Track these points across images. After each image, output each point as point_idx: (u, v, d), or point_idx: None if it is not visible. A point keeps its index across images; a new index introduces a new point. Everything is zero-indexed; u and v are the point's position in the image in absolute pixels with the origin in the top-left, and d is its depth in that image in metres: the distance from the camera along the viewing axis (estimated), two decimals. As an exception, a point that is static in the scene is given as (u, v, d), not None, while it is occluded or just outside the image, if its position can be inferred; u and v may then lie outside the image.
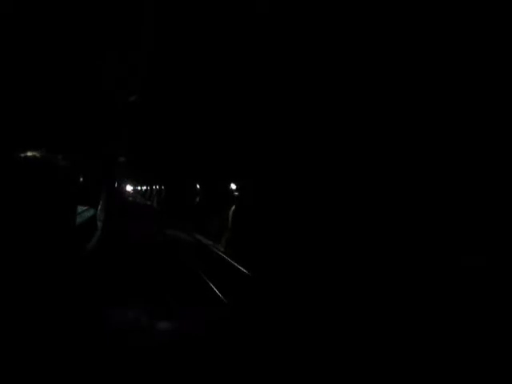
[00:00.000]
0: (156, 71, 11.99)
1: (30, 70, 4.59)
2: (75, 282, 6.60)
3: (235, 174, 15.66)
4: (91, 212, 12.23)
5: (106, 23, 6.25)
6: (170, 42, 10.97)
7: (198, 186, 23.21)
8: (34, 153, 5.75)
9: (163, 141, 23.71)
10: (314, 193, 9.57)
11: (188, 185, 26.43)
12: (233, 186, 15.80)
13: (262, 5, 10.04)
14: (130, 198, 48.21)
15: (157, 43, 10.04)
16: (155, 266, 10.61)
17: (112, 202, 16.13)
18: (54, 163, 6.25)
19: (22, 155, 5.71)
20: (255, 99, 11.26)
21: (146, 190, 56.79)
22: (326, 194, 8.99)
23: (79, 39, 5.45)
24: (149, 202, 45.43)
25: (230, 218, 15.74)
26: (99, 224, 13.41)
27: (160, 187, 40.92)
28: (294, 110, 10.22)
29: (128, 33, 7.31)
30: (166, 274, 9.89)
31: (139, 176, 50.21)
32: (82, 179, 9.99)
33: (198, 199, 23.20)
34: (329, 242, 8.28)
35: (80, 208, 10.52)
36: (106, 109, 7.72)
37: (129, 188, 54.86)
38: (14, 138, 5.55)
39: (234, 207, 15.71)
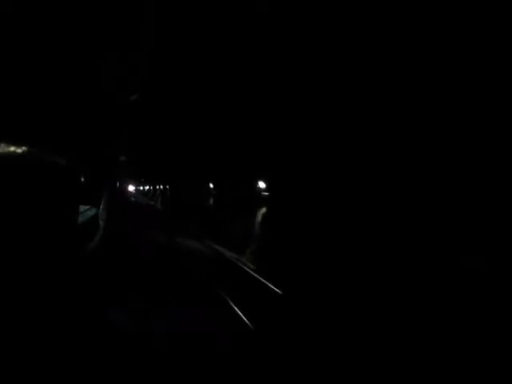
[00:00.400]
0: (156, 71, 11.99)
1: (30, 70, 4.63)
2: (77, 281, 6.63)
3: (264, 170, 12.55)
4: (93, 211, 12.26)
5: (106, 23, 6.30)
6: (169, 41, 10.99)
7: (211, 185, 20.31)
8: (31, 150, 5.79)
9: (167, 139, 23.03)
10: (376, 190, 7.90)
11: (190, 184, 24.44)
12: (261, 185, 12.81)
13: (261, 5, 10.07)
14: (133, 199, 47.96)
15: (157, 43, 10.06)
16: (165, 281, 8.77)
17: (114, 204, 15.90)
18: (55, 161, 6.29)
19: (20, 151, 5.75)
20: (263, 91, 11.09)
21: (148, 189, 56.42)
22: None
23: (79, 39, 5.50)
24: (152, 203, 44.01)
25: (257, 224, 12.76)
26: (101, 223, 13.44)
27: (164, 187, 39.55)
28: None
29: (128, 33, 7.36)
30: (180, 293, 7.99)
31: (142, 176, 49.94)
32: (83, 179, 10.04)
33: (211, 201, 20.29)
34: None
35: (82, 207, 10.56)
36: (106, 109, 7.76)
37: (131, 188, 54.74)
38: (14, 138, 5.59)
39: (263, 210, 12.73)
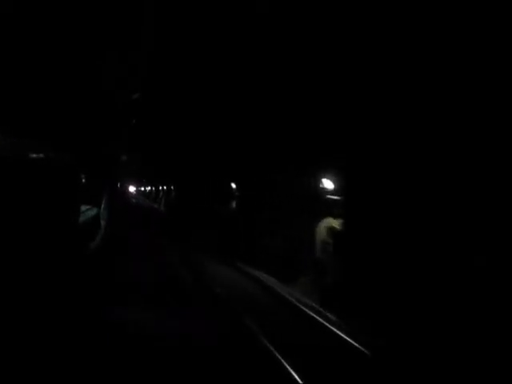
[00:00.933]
0: (156, 71, 11.97)
1: (30, 70, 4.68)
2: (79, 281, 6.65)
3: (332, 162, 8.20)
4: (94, 211, 12.31)
5: (106, 23, 6.34)
6: (169, 41, 11.01)
7: (233, 185, 15.45)
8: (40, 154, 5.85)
9: (171, 136, 22.09)
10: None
11: (202, 184, 19.85)
12: (327, 184, 8.40)
13: (261, 5, 10.11)
14: (134, 200, 47.38)
15: (157, 43, 10.10)
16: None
17: (114, 205, 15.65)
18: (58, 163, 6.33)
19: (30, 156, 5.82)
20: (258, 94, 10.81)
21: (150, 190, 55.81)
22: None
23: (79, 39, 5.54)
24: (155, 205, 40.64)
25: (319, 243, 8.33)
26: (102, 223, 13.48)
27: (168, 187, 35.28)
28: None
29: (128, 33, 7.40)
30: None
31: (143, 176, 49.46)
32: (84, 179, 10.08)
33: (233, 204, 15.55)
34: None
35: (84, 207, 10.59)
36: (106, 109, 7.80)
37: (131, 189, 54.22)
38: (17, 138, 5.64)
39: (330, 221, 8.23)
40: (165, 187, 37.55)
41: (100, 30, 6.14)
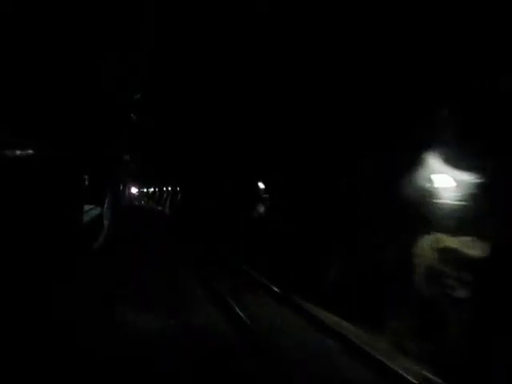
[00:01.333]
0: (156, 71, 11.99)
1: (31, 70, 4.74)
2: (84, 281, 6.67)
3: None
4: (98, 210, 12.38)
5: (106, 23, 6.41)
6: (169, 41, 11.06)
7: (260, 185, 12.18)
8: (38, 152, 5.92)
9: (175, 136, 21.66)
10: None
11: (216, 185, 17.34)
12: (440, 182, 5.39)
13: (261, 5, 10.15)
14: (136, 202, 46.99)
15: (157, 43, 10.15)
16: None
17: (116, 209, 15.46)
18: (61, 162, 6.39)
19: (26, 154, 5.88)
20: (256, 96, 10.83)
21: (153, 192, 55.45)
22: None
23: (79, 39, 5.61)
24: (160, 207, 38.47)
25: (424, 270, 5.40)
26: (105, 222, 13.53)
27: (173, 189, 33.43)
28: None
29: (128, 33, 7.48)
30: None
31: (145, 177, 49.18)
32: (87, 179, 10.14)
33: (261, 209, 12.14)
34: None
35: (87, 206, 10.65)
36: (106, 109, 7.86)
37: (134, 190, 53.72)
38: (19, 140, 5.70)
39: (436, 241, 5.39)
40: (169, 188, 35.54)
41: (100, 29, 6.21)
